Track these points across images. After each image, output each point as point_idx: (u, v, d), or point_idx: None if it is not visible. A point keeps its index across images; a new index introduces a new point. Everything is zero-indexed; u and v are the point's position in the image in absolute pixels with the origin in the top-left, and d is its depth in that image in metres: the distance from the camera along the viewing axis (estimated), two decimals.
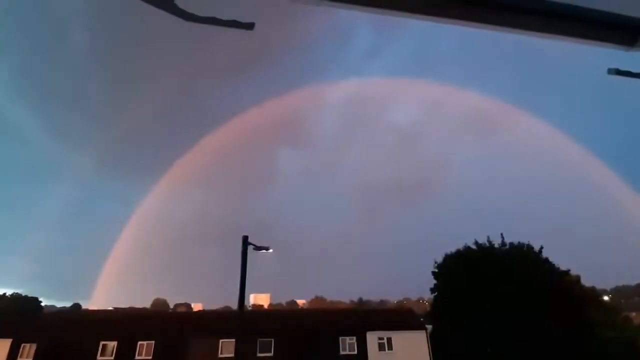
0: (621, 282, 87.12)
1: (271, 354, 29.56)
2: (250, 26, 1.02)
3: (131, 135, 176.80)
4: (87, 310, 77.59)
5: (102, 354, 28.65)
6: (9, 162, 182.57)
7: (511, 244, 30.05)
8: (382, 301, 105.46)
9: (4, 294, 65.13)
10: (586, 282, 35.09)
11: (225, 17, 1.01)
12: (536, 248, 29.60)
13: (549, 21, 1.05)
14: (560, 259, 29.83)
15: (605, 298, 60.14)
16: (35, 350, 28.52)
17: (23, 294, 64.25)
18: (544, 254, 29.42)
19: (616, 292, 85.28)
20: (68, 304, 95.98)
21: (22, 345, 28.77)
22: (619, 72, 1.29)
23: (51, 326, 32.87)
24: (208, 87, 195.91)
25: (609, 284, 78.66)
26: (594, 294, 37.22)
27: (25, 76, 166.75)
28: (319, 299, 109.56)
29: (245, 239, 14.61)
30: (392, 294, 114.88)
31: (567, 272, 29.41)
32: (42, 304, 66.14)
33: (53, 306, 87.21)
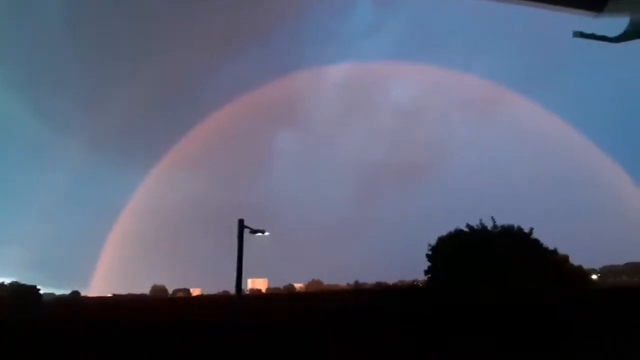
0: (609, 262, 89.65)
1: None
2: None
3: (124, 122, 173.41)
4: (86, 298, 78.27)
5: None
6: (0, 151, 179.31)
7: (502, 226, 30.54)
8: (378, 283, 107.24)
9: (2, 282, 65.34)
10: (575, 261, 35.91)
11: None
12: (527, 230, 30.14)
13: None
14: (553, 240, 30.39)
15: (594, 277, 61.76)
16: None
17: (21, 283, 64.44)
18: (535, 236, 30.00)
19: (605, 270, 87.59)
20: (67, 292, 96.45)
21: None
22: (583, 35, 1.28)
23: (51, 314, 33.31)
24: (203, 70, 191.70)
25: (598, 263, 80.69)
26: (581, 273, 38.17)
27: (8, 62, 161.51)
28: (315, 282, 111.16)
29: (240, 222, 14.76)
30: (388, 276, 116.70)
31: (554, 251, 30.04)
32: (41, 292, 66.38)
33: (52, 294, 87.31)
